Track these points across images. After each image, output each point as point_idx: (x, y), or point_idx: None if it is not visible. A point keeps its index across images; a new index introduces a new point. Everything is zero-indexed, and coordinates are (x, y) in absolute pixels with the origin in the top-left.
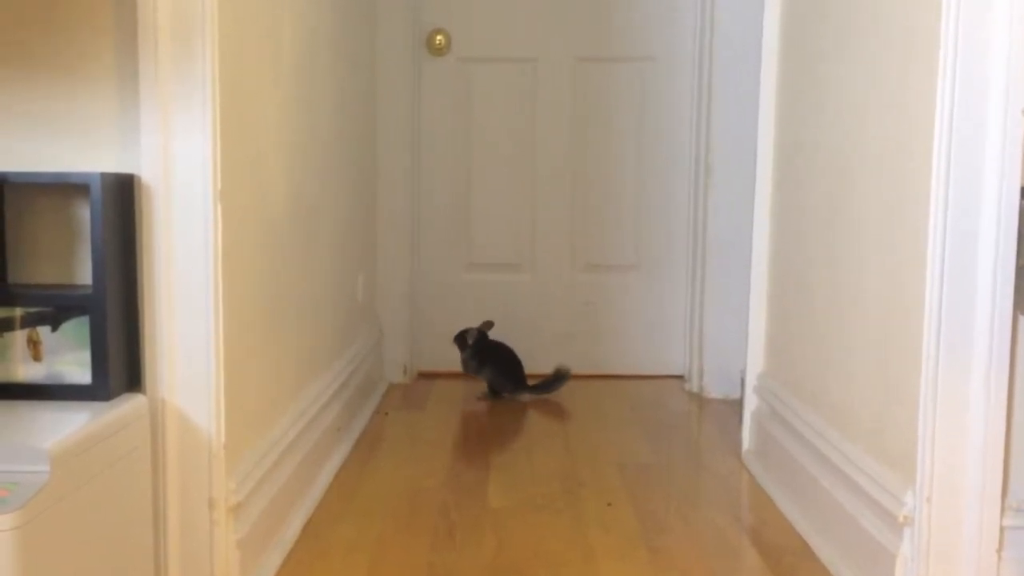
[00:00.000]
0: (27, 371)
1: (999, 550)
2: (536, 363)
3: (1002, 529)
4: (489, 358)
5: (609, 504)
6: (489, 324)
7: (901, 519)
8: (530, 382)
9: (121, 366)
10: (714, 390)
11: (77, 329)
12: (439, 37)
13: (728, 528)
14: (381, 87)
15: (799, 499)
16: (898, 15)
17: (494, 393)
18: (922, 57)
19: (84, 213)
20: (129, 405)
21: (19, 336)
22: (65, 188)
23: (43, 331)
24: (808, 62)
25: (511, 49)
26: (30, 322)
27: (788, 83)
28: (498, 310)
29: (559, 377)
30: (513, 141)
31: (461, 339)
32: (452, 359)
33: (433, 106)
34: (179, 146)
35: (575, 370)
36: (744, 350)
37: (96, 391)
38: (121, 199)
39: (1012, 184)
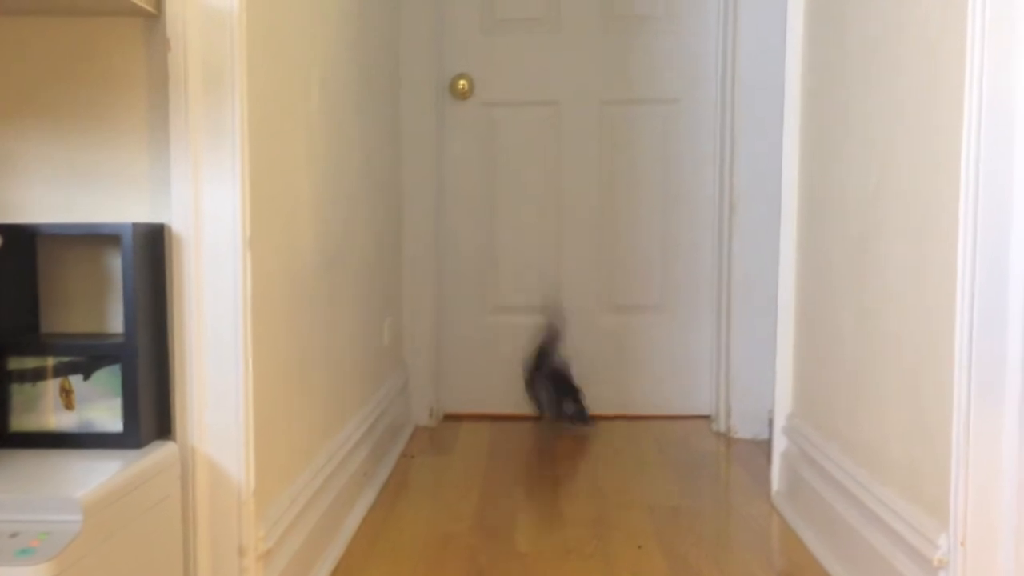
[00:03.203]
0: (59, 420)
1: None
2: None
3: None
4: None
5: (639, 547)
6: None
7: (936, 562)
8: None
9: (152, 414)
10: (742, 430)
11: (109, 378)
12: (462, 82)
13: (760, 572)
14: (406, 132)
15: (831, 542)
16: (922, 51)
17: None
18: (947, 94)
19: (116, 263)
20: (160, 453)
21: (51, 385)
22: (97, 238)
23: (75, 380)
24: (831, 100)
25: (534, 92)
26: (62, 371)
27: (811, 122)
28: (524, 351)
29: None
30: (537, 183)
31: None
32: (478, 400)
33: (457, 150)
34: (209, 196)
35: (602, 411)
36: (772, 390)
37: (127, 439)
38: (152, 249)
39: None
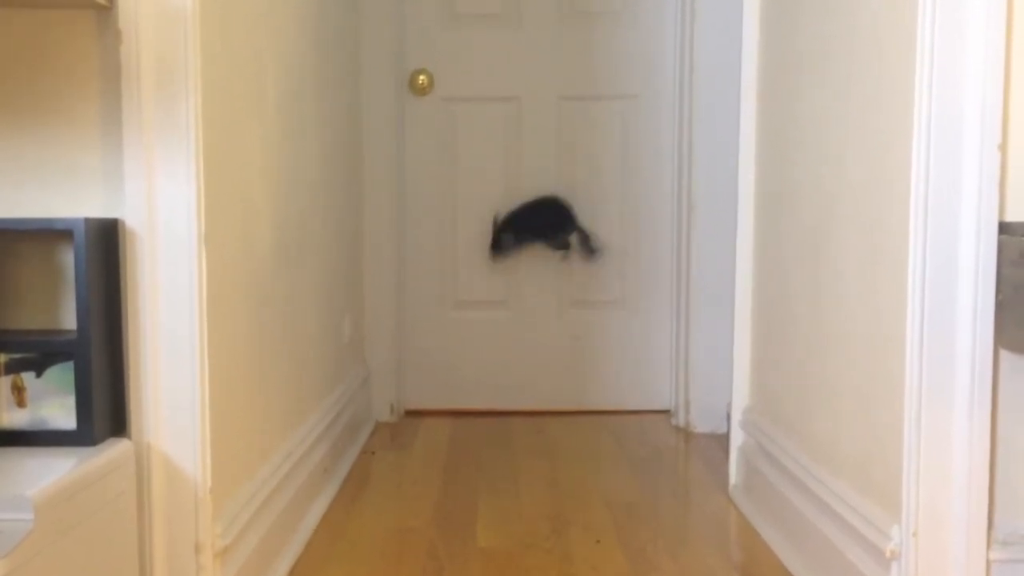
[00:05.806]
0: (11, 418)
1: None
2: (524, 399)
3: (989, 562)
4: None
5: (597, 542)
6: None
7: (888, 553)
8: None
9: (106, 411)
10: (701, 425)
11: (62, 374)
12: (422, 77)
13: (717, 565)
14: (365, 127)
15: (787, 535)
16: (872, 50)
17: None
18: (898, 93)
19: (69, 258)
20: (114, 450)
21: (3, 382)
22: (49, 234)
23: (27, 377)
24: (786, 99)
25: (494, 88)
26: (14, 368)
27: (767, 120)
28: (484, 347)
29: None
30: (497, 179)
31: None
32: (439, 396)
33: (417, 145)
34: (163, 190)
35: (560, 406)
36: (730, 384)
37: (81, 437)
38: (105, 244)
39: (990, 219)
